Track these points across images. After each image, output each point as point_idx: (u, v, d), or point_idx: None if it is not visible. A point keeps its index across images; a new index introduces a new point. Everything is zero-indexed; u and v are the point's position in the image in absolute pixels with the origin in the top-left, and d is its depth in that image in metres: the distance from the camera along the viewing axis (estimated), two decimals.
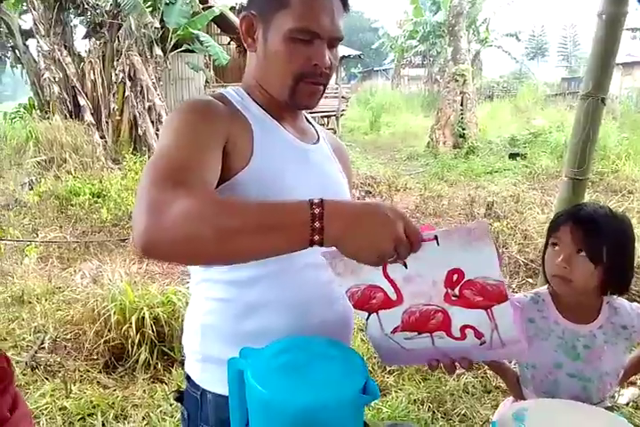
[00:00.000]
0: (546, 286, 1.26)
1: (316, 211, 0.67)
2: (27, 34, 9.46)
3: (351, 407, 0.73)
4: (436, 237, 0.74)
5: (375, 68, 34.59)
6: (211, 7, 10.34)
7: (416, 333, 0.84)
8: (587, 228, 1.12)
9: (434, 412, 2.28)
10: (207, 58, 11.64)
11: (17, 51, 9.69)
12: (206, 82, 11.80)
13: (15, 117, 9.03)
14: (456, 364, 0.86)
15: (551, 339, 1.19)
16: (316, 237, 0.67)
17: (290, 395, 0.70)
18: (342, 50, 14.99)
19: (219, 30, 13.60)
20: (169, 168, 0.74)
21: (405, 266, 0.77)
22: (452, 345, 0.84)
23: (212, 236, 0.66)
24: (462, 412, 2.29)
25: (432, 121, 10.68)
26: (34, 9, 8.98)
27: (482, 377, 2.57)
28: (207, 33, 11.04)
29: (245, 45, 0.92)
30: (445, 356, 0.86)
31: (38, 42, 8.97)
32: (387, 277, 0.79)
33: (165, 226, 0.65)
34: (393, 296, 0.81)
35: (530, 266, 3.88)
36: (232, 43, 13.89)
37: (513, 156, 8.72)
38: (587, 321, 1.19)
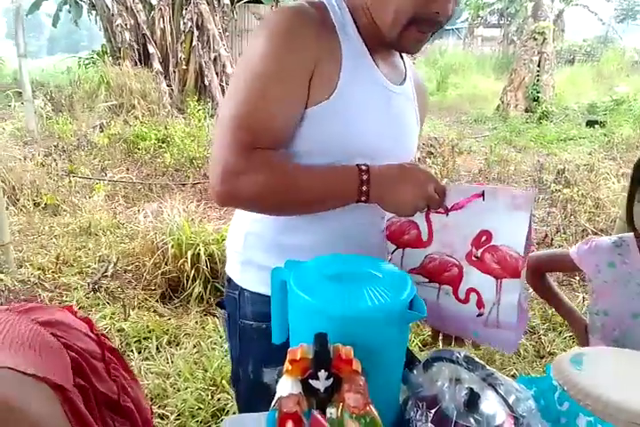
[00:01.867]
0: (631, 234, 1.16)
1: (364, 177, 0.81)
2: None
3: (396, 322, 0.70)
4: (482, 193, 0.82)
5: (447, 27, 32.85)
6: None
7: (427, 280, 0.89)
8: None
9: None
10: (274, 8, 11.43)
11: None
12: None
13: (89, 63, 9.32)
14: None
15: (630, 286, 1.12)
16: (363, 198, 0.82)
17: (333, 304, 0.68)
18: None
19: None
20: (246, 128, 0.80)
21: (447, 214, 0.85)
22: (453, 309, 0.86)
23: (279, 206, 0.85)
24: (511, 373, 2.24)
25: (504, 83, 10.08)
26: None
27: (536, 342, 2.50)
28: None
29: None
30: (442, 323, 0.90)
31: None
32: (427, 219, 0.87)
33: (240, 196, 0.81)
34: (425, 237, 0.88)
35: (599, 236, 3.67)
36: None
37: (591, 123, 8.12)
38: None
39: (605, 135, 7.41)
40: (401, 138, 0.97)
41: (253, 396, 1.00)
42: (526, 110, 9.24)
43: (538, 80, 9.34)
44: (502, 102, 9.58)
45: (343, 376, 0.60)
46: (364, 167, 0.82)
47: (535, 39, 9.33)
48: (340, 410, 0.58)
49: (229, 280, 1.02)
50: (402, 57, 1.01)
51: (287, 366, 0.60)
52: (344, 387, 0.59)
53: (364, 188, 0.81)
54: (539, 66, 9.39)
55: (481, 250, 0.83)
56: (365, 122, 0.88)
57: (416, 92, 1.03)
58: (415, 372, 0.74)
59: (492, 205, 0.81)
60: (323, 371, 0.59)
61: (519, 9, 18.39)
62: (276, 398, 0.58)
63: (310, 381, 0.59)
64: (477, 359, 0.69)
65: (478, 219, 0.83)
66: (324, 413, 0.57)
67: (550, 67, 9.65)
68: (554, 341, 2.50)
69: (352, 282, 0.73)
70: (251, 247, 0.96)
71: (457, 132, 7.44)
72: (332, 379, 0.59)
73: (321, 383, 0.59)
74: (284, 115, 0.82)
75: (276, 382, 0.60)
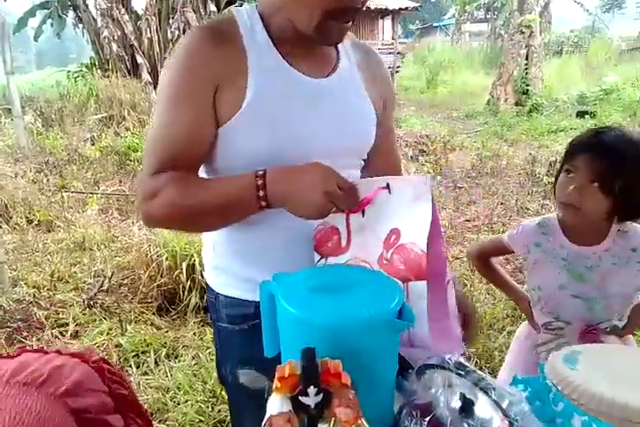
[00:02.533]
0: (554, 214, 1.29)
1: (259, 182, 0.79)
2: None
3: (385, 331, 0.69)
4: (387, 185, 0.79)
5: (434, 24, 32.70)
6: None
7: None
8: (605, 161, 1.09)
9: (481, 368, 2.23)
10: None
11: (77, 10, 9.89)
12: None
13: (78, 76, 9.30)
14: None
15: (555, 261, 1.24)
16: (263, 203, 0.80)
17: (321, 315, 0.66)
18: (399, 2, 14.28)
19: None
20: (157, 155, 0.86)
21: (363, 214, 0.81)
22: None
23: (190, 224, 0.91)
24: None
25: (493, 78, 10.11)
26: None
27: None
28: None
29: None
30: None
31: (96, 0, 9.09)
32: (347, 222, 0.84)
33: (154, 217, 0.87)
34: (343, 242, 0.85)
35: None
36: None
37: (581, 114, 8.15)
38: (593, 244, 1.21)
39: (596, 125, 7.42)
40: (341, 129, 0.93)
41: (235, 397, 1.06)
42: (516, 104, 9.27)
43: (526, 73, 9.37)
44: (492, 97, 9.60)
45: (333, 391, 0.58)
46: (260, 172, 0.79)
47: (522, 33, 9.36)
48: (331, 425, 0.57)
49: (207, 285, 1.05)
50: (336, 47, 0.98)
51: (276, 383, 0.58)
52: (334, 402, 0.58)
53: (261, 193, 0.79)
54: (526, 59, 9.42)
55: (391, 251, 0.80)
56: (287, 125, 0.87)
57: (368, 76, 0.99)
58: (408, 379, 0.73)
59: (397, 197, 0.79)
60: (312, 387, 0.57)
61: (505, 3, 18.44)
62: (266, 418, 0.57)
63: (300, 397, 0.58)
64: (468, 364, 0.68)
65: (388, 216, 0.80)
66: None
67: (538, 59, 9.68)
68: None
69: (340, 293, 0.72)
70: (218, 255, 0.99)
71: (448, 129, 7.45)
72: (321, 394, 0.58)
73: (311, 400, 0.58)
74: (188, 136, 0.85)
75: (266, 400, 0.59)
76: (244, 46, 0.86)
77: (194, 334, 2.50)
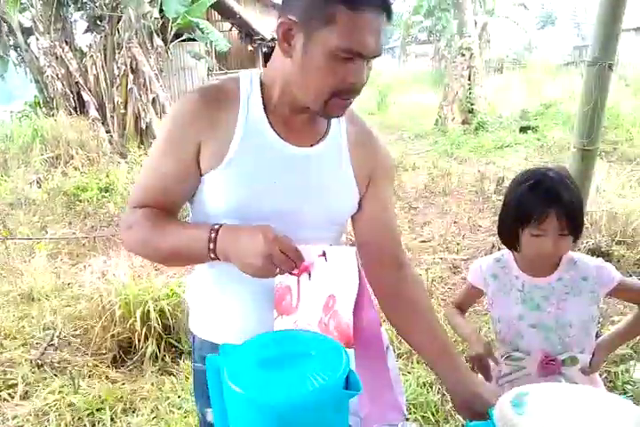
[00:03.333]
0: (503, 252, 1.36)
1: (212, 235, 0.86)
2: (27, 32, 9.42)
3: (333, 403, 0.69)
4: (324, 253, 0.85)
5: None
6: None
7: None
8: (569, 214, 1.16)
9: (443, 394, 2.24)
10: (209, 46, 11.53)
11: (19, 49, 9.69)
12: (209, 70, 11.71)
13: (22, 116, 9.06)
14: None
15: (512, 293, 1.29)
16: (211, 255, 0.87)
17: (267, 394, 0.66)
18: None
19: (219, 17, 13.44)
20: (139, 191, 0.99)
21: (309, 277, 0.86)
22: None
23: (151, 254, 1.01)
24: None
25: (439, 98, 10.45)
26: (32, 6, 8.95)
27: None
28: (207, 20, 10.90)
29: (280, 49, 0.91)
30: None
31: (38, 39, 8.95)
32: (297, 284, 0.88)
33: (128, 246, 1.01)
34: (294, 302, 0.88)
35: None
36: (233, 29, 13.74)
37: (524, 129, 8.49)
38: (545, 274, 1.27)
39: (538, 139, 7.76)
40: (312, 198, 0.98)
41: None
42: (463, 122, 9.57)
43: (470, 93, 9.72)
44: (440, 117, 9.89)
45: None
46: (216, 226, 0.87)
47: (463, 55, 9.75)
48: None
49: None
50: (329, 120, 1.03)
51: None
52: None
53: (211, 245, 0.86)
54: (469, 79, 9.80)
55: (328, 316, 0.83)
56: (258, 186, 0.94)
57: (358, 149, 1.03)
58: None
59: (332, 265, 0.84)
60: None
61: (445, 26, 19.24)
62: None
63: None
64: None
65: (326, 282, 0.85)
66: None
67: (480, 79, 10.08)
68: None
69: (287, 364, 0.71)
70: (196, 299, 1.09)
71: (400, 150, 7.60)
72: None
73: None
74: (163, 182, 0.96)
75: None
76: (237, 112, 0.94)
77: (152, 384, 2.41)
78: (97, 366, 2.55)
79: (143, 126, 8.45)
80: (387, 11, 0.86)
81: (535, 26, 38.83)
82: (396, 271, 1.04)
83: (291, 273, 0.86)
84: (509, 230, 1.24)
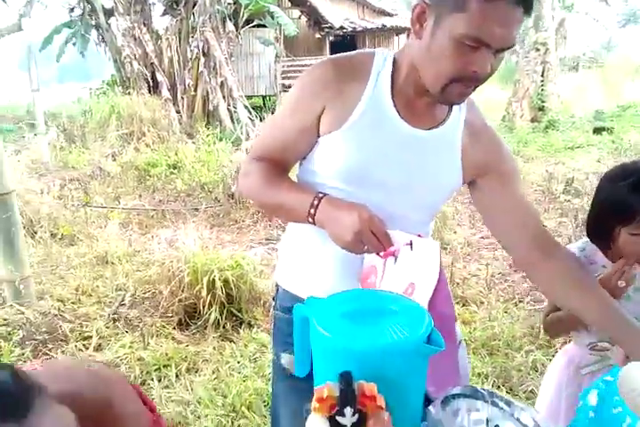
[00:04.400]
0: (586, 240, 1.30)
1: (315, 202, 0.93)
2: (109, 13, 9.87)
3: (414, 356, 0.72)
4: (411, 243, 0.88)
5: None
6: None
7: None
8: None
9: (499, 387, 2.23)
10: (277, 32, 11.66)
11: (100, 29, 10.17)
12: (276, 56, 11.84)
13: (100, 93, 9.54)
14: None
15: None
16: (310, 219, 0.95)
17: (353, 340, 0.69)
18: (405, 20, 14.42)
19: (289, 4, 13.54)
20: (260, 145, 1.10)
21: (395, 261, 0.90)
22: None
23: (258, 204, 1.12)
24: (529, 389, 2.20)
25: (508, 93, 10.12)
26: None
27: (552, 355, 2.47)
28: (278, 6, 11.03)
29: (412, 30, 0.93)
30: None
31: (118, 20, 9.35)
32: (383, 266, 0.92)
33: (242, 192, 1.16)
34: (377, 282, 0.92)
35: None
36: (302, 17, 13.81)
37: (598, 130, 8.11)
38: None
39: (613, 142, 7.39)
40: (419, 178, 1.01)
41: (275, 375, 1.21)
42: (532, 120, 9.25)
43: (542, 90, 9.37)
44: (508, 113, 9.60)
45: (368, 412, 0.61)
46: (320, 195, 0.94)
47: (538, 50, 9.39)
48: None
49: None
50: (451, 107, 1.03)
51: (314, 404, 0.61)
52: (369, 422, 0.61)
53: (312, 211, 0.93)
54: (542, 75, 9.43)
55: None
56: (370, 155, 0.98)
57: (469, 139, 1.04)
58: (434, 409, 0.74)
59: (416, 255, 0.87)
60: (348, 408, 0.60)
61: None
62: None
63: (337, 417, 0.61)
64: (497, 393, 0.70)
65: (408, 270, 0.88)
66: None
67: (554, 76, 9.68)
68: None
69: (371, 318, 0.74)
70: (287, 254, 1.17)
71: None
72: (357, 415, 0.61)
73: (347, 420, 0.61)
74: (284, 140, 1.04)
75: (306, 418, 0.62)
76: (366, 84, 0.97)
77: (213, 348, 2.53)
78: (164, 326, 2.69)
79: (211, 108, 8.70)
80: (524, 2, 0.84)
81: (616, 23, 36.69)
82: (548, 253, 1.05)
83: (377, 254, 0.91)
84: (604, 229, 1.20)
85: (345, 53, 1.04)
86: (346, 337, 0.70)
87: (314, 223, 0.94)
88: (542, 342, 2.54)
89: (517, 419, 0.66)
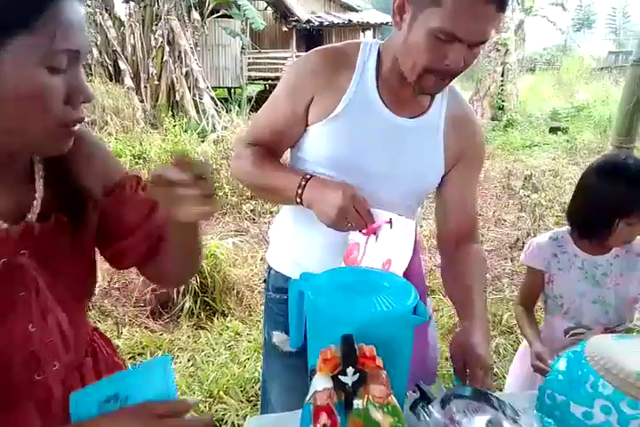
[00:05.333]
0: (565, 228, 1.40)
1: (302, 183, 0.98)
2: None
3: (402, 325, 0.79)
4: (390, 220, 0.94)
5: None
6: None
7: None
8: None
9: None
10: (244, 24, 11.55)
11: None
12: (242, 48, 11.75)
13: None
14: None
15: (572, 271, 1.35)
16: (298, 200, 0.99)
17: (347, 310, 0.76)
18: (378, 16, 14.59)
19: None
20: (253, 130, 1.14)
21: (376, 239, 0.96)
22: None
23: (248, 185, 1.17)
24: (493, 372, 2.35)
25: (470, 92, 10.42)
26: None
27: (514, 341, 2.63)
28: None
29: (393, 21, 0.97)
30: None
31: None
32: (365, 243, 0.98)
33: (234, 174, 1.15)
34: (359, 258, 0.99)
35: None
36: (268, 8, 13.72)
37: (553, 130, 8.47)
38: (603, 252, 1.34)
39: (568, 141, 7.74)
40: (402, 166, 1.06)
41: (267, 354, 1.28)
42: (492, 118, 9.56)
43: (502, 89, 9.69)
44: None
45: (368, 371, 0.69)
46: (307, 176, 1.00)
47: (498, 50, 9.70)
48: (365, 401, 0.67)
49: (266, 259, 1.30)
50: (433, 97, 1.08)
51: (320, 364, 0.68)
52: (369, 381, 0.68)
53: (300, 191, 0.98)
54: (502, 75, 9.75)
55: None
56: (355, 143, 1.04)
57: (454, 131, 1.09)
58: (432, 409, 0.76)
59: (394, 232, 0.94)
60: (350, 368, 0.68)
61: None
62: (311, 393, 0.67)
63: (340, 377, 0.68)
64: (492, 393, 0.75)
65: (386, 246, 0.95)
66: (351, 404, 0.66)
67: (513, 76, 10.03)
68: None
69: (363, 292, 0.81)
70: (278, 237, 1.24)
71: None
72: (358, 374, 0.68)
73: (349, 379, 0.67)
74: (273, 127, 1.09)
75: (310, 379, 0.69)
76: (352, 74, 1.03)
77: (188, 337, 2.56)
78: (137, 316, 2.70)
79: (178, 98, 8.57)
80: (498, 0, 0.86)
81: (572, 27, 38.07)
82: (464, 246, 1.12)
83: (360, 231, 0.98)
84: (603, 220, 1.27)
85: (332, 44, 1.10)
86: (340, 307, 0.77)
87: (302, 203, 0.99)
88: (504, 329, 2.71)
89: (517, 421, 0.71)
